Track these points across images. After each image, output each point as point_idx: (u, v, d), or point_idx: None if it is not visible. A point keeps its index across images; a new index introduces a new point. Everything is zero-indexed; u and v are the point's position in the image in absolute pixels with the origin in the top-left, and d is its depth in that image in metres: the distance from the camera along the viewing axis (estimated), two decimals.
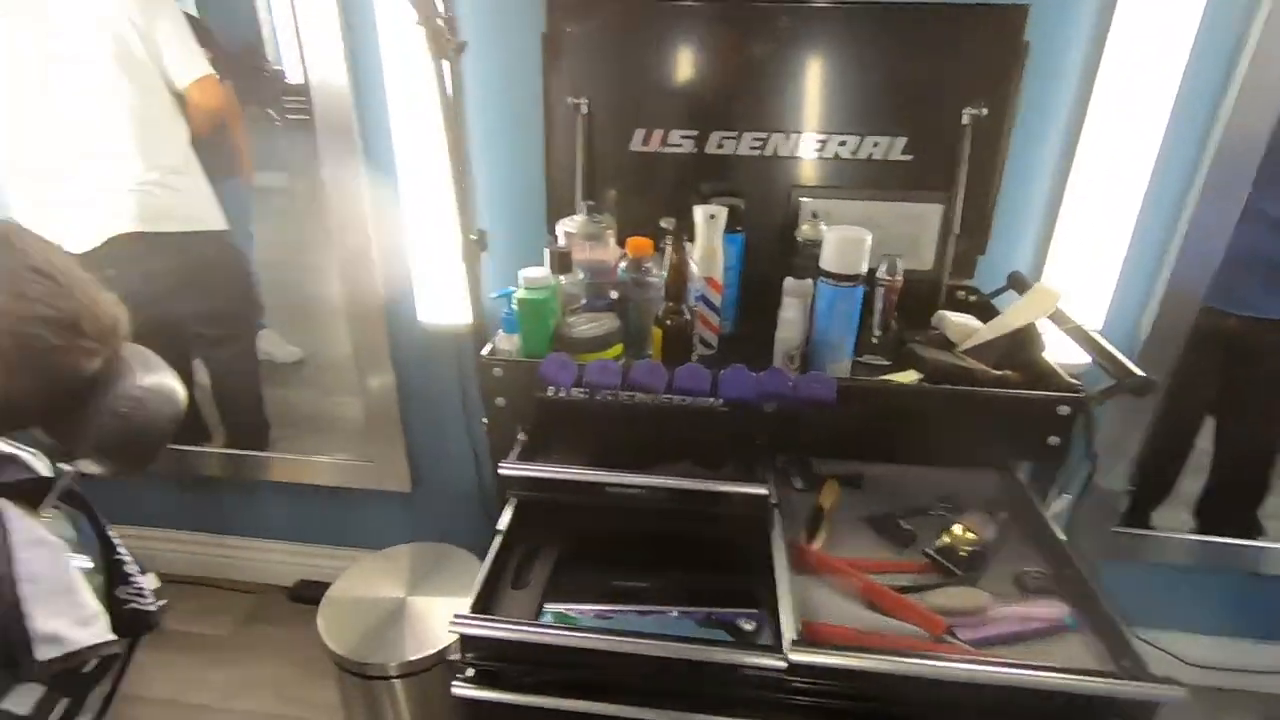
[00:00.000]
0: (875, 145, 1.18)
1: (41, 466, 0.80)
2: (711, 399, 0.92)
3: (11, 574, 0.62)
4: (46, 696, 0.62)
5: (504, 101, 1.25)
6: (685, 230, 1.04)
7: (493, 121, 1.25)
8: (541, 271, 0.96)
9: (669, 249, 0.99)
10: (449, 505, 1.65)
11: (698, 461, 0.97)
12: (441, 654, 1.19)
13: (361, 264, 1.41)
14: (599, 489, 0.93)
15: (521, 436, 0.99)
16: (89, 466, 0.74)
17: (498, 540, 0.91)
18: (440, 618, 1.24)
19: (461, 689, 0.78)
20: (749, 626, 0.83)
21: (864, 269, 1.00)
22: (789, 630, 0.71)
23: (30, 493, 0.73)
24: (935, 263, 1.20)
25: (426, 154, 1.26)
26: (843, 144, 1.19)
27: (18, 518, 0.67)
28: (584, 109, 1.20)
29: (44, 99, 1.40)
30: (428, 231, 1.32)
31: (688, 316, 1.02)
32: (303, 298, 2.49)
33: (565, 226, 1.10)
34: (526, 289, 0.95)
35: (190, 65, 1.47)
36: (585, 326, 0.97)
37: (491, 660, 0.81)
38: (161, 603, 0.91)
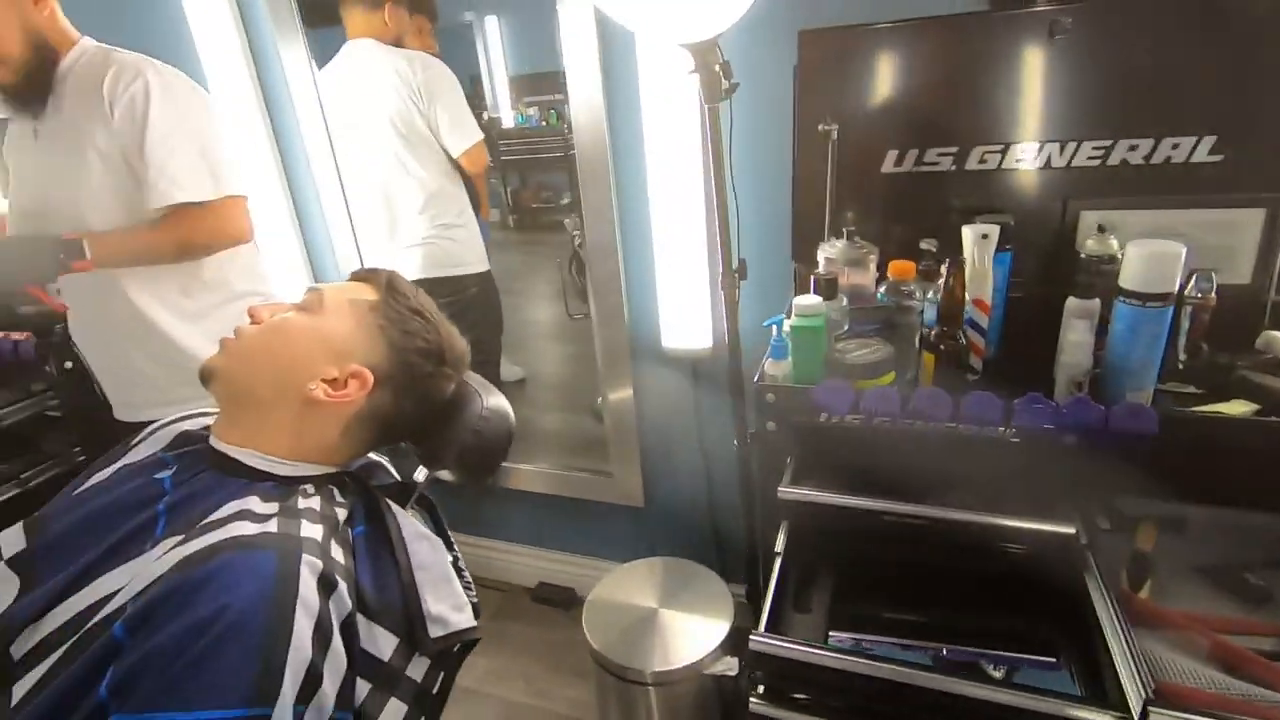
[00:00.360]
0: (1174, 147, 1.06)
1: (393, 472, 0.96)
2: (1002, 429, 0.88)
3: (408, 561, 0.75)
4: (431, 669, 0.74)
5: (754, 134, 1.29)
6: (946, 251, 1.01)
7: (743, 155, 1.30)
8: (814, 300, 0.98)
9: (933, 271, 0.96)
10: (679, 522, 1.72)
11: (979, 494, 0.93)
12: (694, 667, 1.23)
13: (609, 290, 1.53)
14: (875, 517, 0.92)
15: (789, 460, 1.02)
16: (446, 475, 0.87)
17: (779, 563, 0.93)
18: (689, 631, 1.29)
19: (759, 706, 0.81)
20: (1049, 674, 0.77)
21: (1174, 287, 0.90)
22: (1135, 688, 0.65)
23: (396, 495, 0.88)
24: (1254, 276, 1.05)
25: (680, 189, 1.34)
26: (1133, 148, 1.08)
27: (402, 514, 0.81)
28: (834, 135, 1.21)
29: (365, 178, 1.74)
30: (675, 260, 1.40)
31: (963, 341, 0.98)
32: (519, 321, 2.75)
33: (826, 252, 1.11)
34: (800, 316, 0.97)
35: (464, 136, 1.70)
36: (859, 353, 0.97)
37: (779, 679, 0.83)
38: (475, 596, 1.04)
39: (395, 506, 0.82)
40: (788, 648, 0.79)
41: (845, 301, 1.05)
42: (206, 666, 0.56)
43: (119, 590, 0.65)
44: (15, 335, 1.58)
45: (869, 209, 1.24)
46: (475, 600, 1.00)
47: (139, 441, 0.88)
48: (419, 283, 1.78)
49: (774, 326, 1.03)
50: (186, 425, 0.87)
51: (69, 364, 1.58)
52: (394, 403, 0.82)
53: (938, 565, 0.92)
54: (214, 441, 0.78)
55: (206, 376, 0.79)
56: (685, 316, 1.44)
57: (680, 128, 1.32)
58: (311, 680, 0.61)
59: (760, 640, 0.79)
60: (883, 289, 1.10)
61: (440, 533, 0.96)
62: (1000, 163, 1.15)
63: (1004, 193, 1.16)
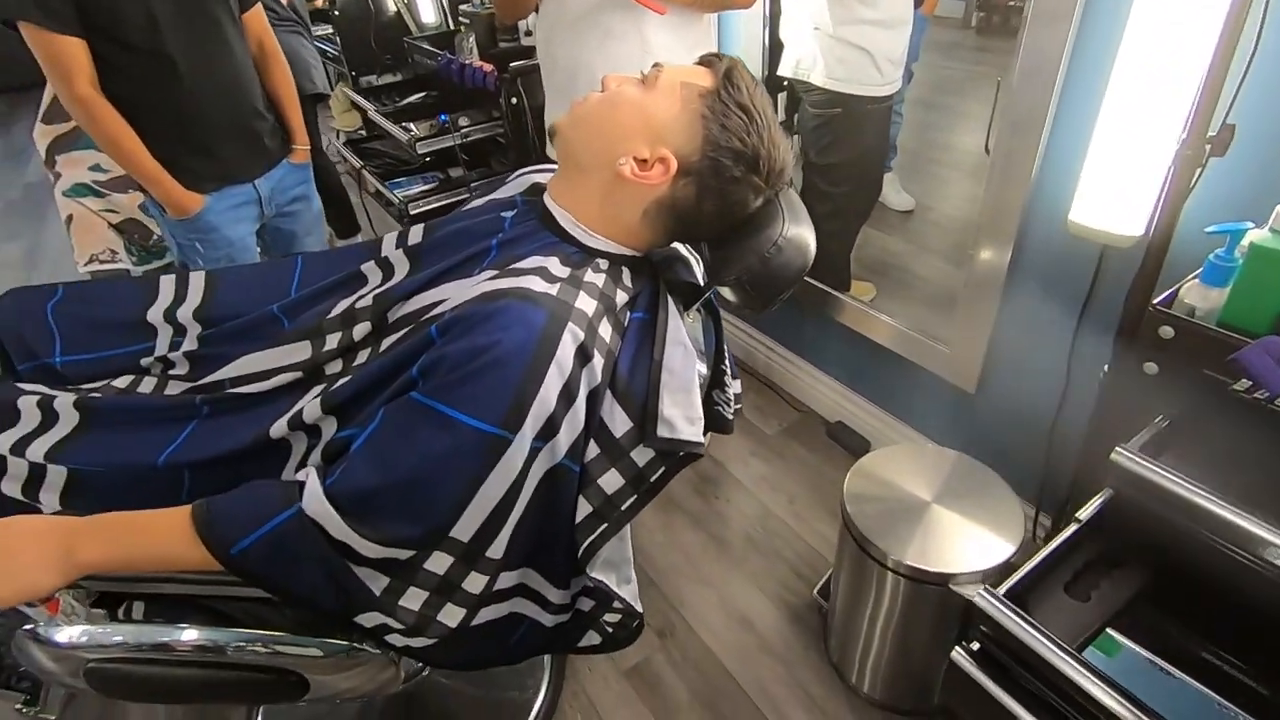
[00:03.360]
0: None
1: (698, 273, 0.97)
2: None
3: (660, 360, 0.78)
4: (653, 461, 0.79)
5: None
6: None
7: None
8: None
9: None
10: (1011, 424, 1.47)
11: None
12: (936, 576, 1.12)
13: (1027, 123, 1.20)
14: (1243, 542, 0.65)
15: (1160, 420, 0.75)
16: (725, 293, 0.85)
17: (1071, 530, 0.74)
18: (952, 541, 1.16)
19: (961, 660, 0.71)
20: None
21: None
22: None
23: (686, 294, 0.89)
24: None
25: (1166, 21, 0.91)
26: None
27: (673, 315, 0.83)
28: None
29: None
30: (1129, 106, 1.01)
31: None
32: (930, 145, 2.36)
33: None
34: (1275, 232, 0.64)
35: None
36: None
37: (997, 647, 0.70)
38: (737, 407, 1.06)
39: (673, 305, 0.84)
40: (1013, 619, 0.65)
41: None
42: (473, 382, 0.68)
43: (448, 299, 0.80)
44: (486, 66, 1.92)
45: None
46: (732, 416, 1.03)
47: (509, 182, 1.03)
48: (803, 85, 1.66)
49: (1226, 236, 0.70)
50: (539, 178, 0.98)
51: (514, 100, 1.88)
52: (695, 199, 0.80)
53: None
54: (545, 195, 0.87)
55: (551, 133, 0.86)
56: (1119, 188, 1.06)
57: None
58: (550, 427, 0.71)
59: (988, 599, 0.66)
60: None
61: (717, 343, 0.97)
62: None
63: None
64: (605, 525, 0.77)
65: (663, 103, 0.78)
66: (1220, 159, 0.78)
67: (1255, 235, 0.64)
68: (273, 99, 1.64)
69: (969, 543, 1.15)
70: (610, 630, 0.91)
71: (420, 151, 1.90)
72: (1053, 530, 1.17)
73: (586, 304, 0.76)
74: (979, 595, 0.66)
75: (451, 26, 2.71)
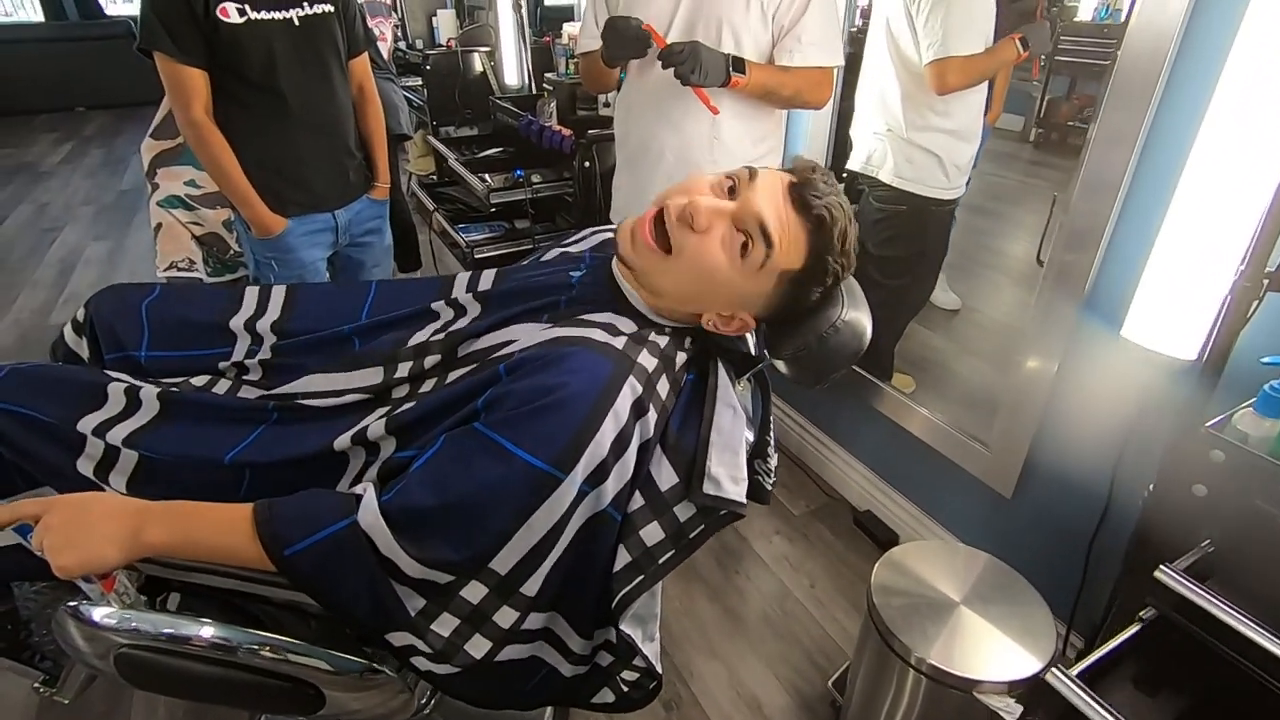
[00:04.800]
0: None
1: (751, 342, 1.00)
2: None
3: (711, 419, 0.81)
4: (694, 517, 0.80)
5: None
6: None
7: None
8: None
9: None
10: (1046, 533, 1.44)
11: None
12: (961, 680, 1.09)
13: (1084, 239, 1.23)
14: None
15: (1206, 544, 0.74)
16: (779, 365, 0.88)
17: (1137, 628, 0.72)
18: (980, 645, 1.13)
19: None
20: None
21: None
22: None
23: (738, 362, 0.92)
24: None
25: (1244, 133, 0.94)
26: None
27: (726, 380, 0.85)
28: None
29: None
30: (1189, 232, 1.03)
31: None
32: (981, 249, 2.40)
33: None
34: None
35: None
36: None
37: None
38: (774, 480, 1.07)
39: (724, 371, 0.87)
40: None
41: None
42: (535, 420, 0.72)
43: (517, 341, 0.84)
44: (564, 130, 2.04)
45: None
46: (771, 487, 1.03)
47: (581, 238, 1.08)
48: (869, 180, 1.73)
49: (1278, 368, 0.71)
50: (609, 234, 1.03)
51: (588, 164, 1.99)
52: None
53: None
54: (615, 267, 0.91)
55: (624, 260, 0.85)
56: (1168, 310, 1.08)
57: None
58: (600, 473, 0.73)
59: (1065, 684, 0.64)
60: None
61: (763, 413, 0.99)
62: None
63: None
64: (642, 577, 0.78)
65: (758, 286, 0.81)
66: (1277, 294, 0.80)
67: None
68: (364, 138, 1.77)
69: (997, 650, 1.12)
70: (626, 689, 0.90)
71: (493, 201, 2.01)
72: (1085, 650, 1.13)
73: (648, 361, 0.79)
74: (1055, 679, 0.64)
75: (534, 91, 2.89)
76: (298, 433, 0.86)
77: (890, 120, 1.66)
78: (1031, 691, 1.07)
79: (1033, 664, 1.09)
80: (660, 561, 0.78)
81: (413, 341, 0.91)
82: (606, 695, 0.91)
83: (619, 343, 0.78)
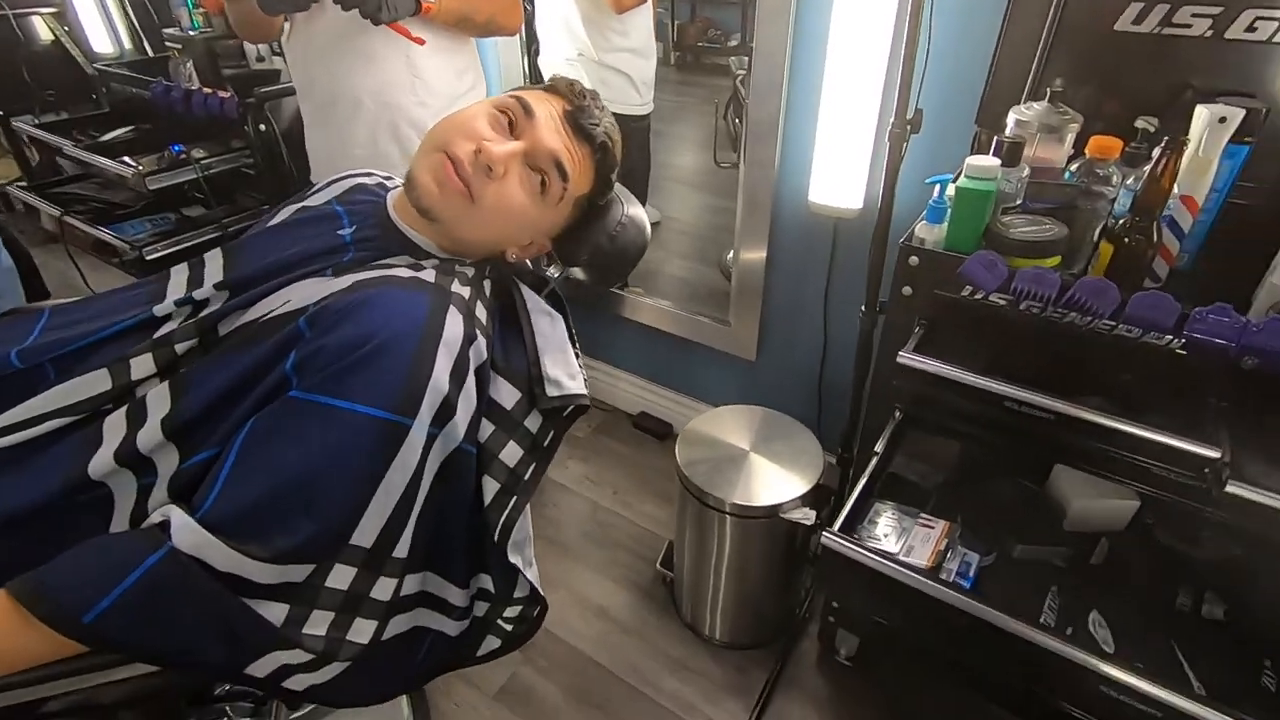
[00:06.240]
0: None
1: (529, 265, 1.02)
2: (1170, 337, 0.80)
3: (532, 329, 0.82)
4: (544, 424, 0.82)
5: None
6: (1166, 134, 0.87)
7: None
8: (990, 161, 0.89)
9: (1142, 155, 0.84)
10: (788, 381, 1.73)
11: (1118, 401, 0.86)
12: (773, 508, 1.29)
13: (765, 136, 1.46)
14: (997, 403, 0.89)
15: (918, 330, 0.98)
16: (578, 274, 0.92)
17: (873, 463, 0.93)
18: (775, 476, 1.34)
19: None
20: None
21: None
22: None
23: (534, 284, 0.93)
24: None
25: (866, 25, 1.21)
26: None
27: (529, 293, 0.87)
28: None
29: None
30: (842, 107, 1.30)
31: (1156, 238, 0.87)
32: (661, 164, 2.68)
33: (1020, 114, 0.99)
34: (969, 177, 0.89)
35: None
36: (1025, 229, 0.89)
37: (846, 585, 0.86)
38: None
39: (525, 287, 0.88)
40: (862, 555, 0.81)
41: (1026, 172, 0.95)
42: (362, 370, 0.65)
43: (297, 299, 0.74)
44: (222, 92, 1.74)
45: (1083, 73, 1.07)
46: (585, 376, 1.09)
47: (317, 190, 0.97)
48: None
49: (936, 186, 0.96)
50: (361, 180, 0.94)
51: (263, 126, 1.73)
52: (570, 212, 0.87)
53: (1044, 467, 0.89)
54: (394, 215, 0.84)
55: (424, 212, 0.79)
56: (841, 171, 1.35)
57: None
58: (445, 410, 0.70)
59: (834, 539, 0.81)
60: (1074, 167, 0.98)
61: (566, 325, 1.02)
62: (1275, 34, 0.95)
63: (1265, 75, 0.96)
64: (515, 498, 0.77)
65: (557, 216, 0.85)
66: (917, 135, 1.06)
67: (959, 181, 0.90)
68: None
69: (786, 476, 1.35)
70: (509, 629, 0.90)
71: (151, 187, 1.65)
72: (845, 455, 1.43)
73: (461, 289, 0.76)
74: (827, 539, 0.81)
75: (151, 54, 2.38)
76: (25, 478, 0.67)
77: (580, 45, 1.73)
78: (814, 495, 1.32)
79: (813, 477, 1.34)
80: (526, 478, 0.79)
81: (141, 346, 0.75)
82: (492, 643, 0.90)
83: (429, 276, 0.75)
